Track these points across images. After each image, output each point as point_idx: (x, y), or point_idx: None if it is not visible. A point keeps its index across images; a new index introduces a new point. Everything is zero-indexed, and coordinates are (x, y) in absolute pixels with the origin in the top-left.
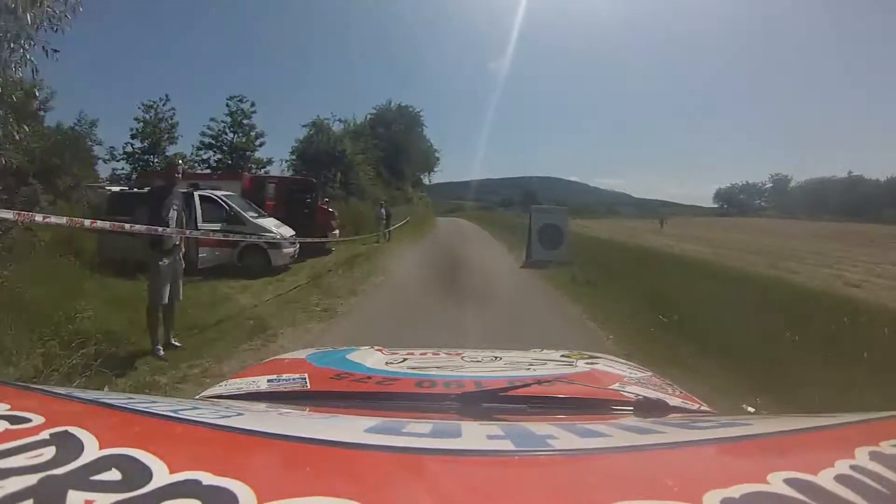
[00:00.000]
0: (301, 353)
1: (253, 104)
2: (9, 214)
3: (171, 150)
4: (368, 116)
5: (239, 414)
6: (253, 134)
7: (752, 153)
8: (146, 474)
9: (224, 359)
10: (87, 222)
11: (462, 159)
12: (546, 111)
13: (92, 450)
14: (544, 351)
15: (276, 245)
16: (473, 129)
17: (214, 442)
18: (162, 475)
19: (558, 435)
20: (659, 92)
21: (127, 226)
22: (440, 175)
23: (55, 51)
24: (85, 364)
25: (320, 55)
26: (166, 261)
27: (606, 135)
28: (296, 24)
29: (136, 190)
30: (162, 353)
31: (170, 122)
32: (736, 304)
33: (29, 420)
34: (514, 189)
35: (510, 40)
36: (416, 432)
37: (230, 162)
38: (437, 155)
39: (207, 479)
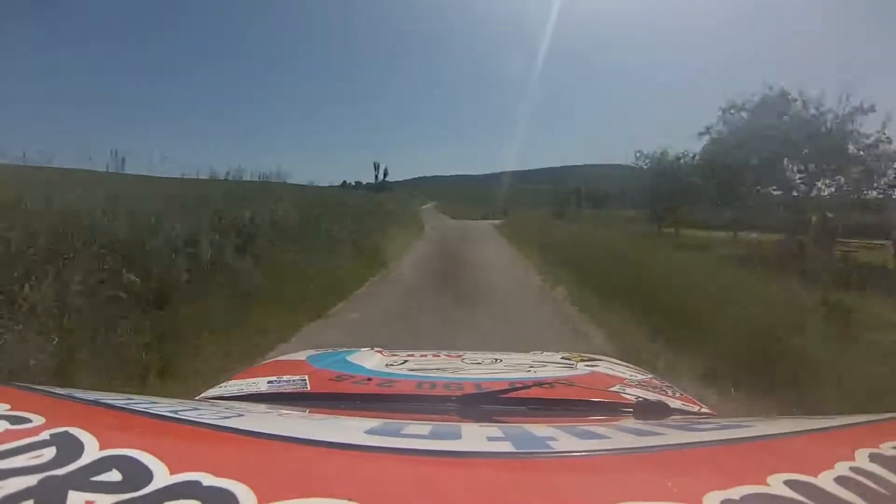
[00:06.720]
0: (301, 355)
1: None
2: None
3: None
4: None
5: (239, 415)
6: None
7: None
8: (146, 475)
9: None
10: None
11: (509, 149)
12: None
13: (92, 450)
14: (545, 353)
15: None
16: (521, 117)
17: (215, 443)
18: (162, 476)
19: (558, 437)
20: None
21: None
22: (488, 164)
23: None
24: None
25: None
26: None
27: (647, 115)
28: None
29: None
30: None
31: None
32: None
33: (29, 420)
34: (583, 179)
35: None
36: (416, 434)
37: None
38: None
39: (208, 479)
